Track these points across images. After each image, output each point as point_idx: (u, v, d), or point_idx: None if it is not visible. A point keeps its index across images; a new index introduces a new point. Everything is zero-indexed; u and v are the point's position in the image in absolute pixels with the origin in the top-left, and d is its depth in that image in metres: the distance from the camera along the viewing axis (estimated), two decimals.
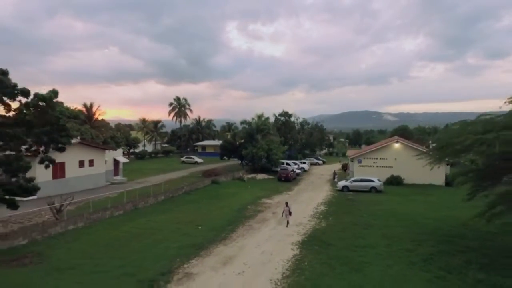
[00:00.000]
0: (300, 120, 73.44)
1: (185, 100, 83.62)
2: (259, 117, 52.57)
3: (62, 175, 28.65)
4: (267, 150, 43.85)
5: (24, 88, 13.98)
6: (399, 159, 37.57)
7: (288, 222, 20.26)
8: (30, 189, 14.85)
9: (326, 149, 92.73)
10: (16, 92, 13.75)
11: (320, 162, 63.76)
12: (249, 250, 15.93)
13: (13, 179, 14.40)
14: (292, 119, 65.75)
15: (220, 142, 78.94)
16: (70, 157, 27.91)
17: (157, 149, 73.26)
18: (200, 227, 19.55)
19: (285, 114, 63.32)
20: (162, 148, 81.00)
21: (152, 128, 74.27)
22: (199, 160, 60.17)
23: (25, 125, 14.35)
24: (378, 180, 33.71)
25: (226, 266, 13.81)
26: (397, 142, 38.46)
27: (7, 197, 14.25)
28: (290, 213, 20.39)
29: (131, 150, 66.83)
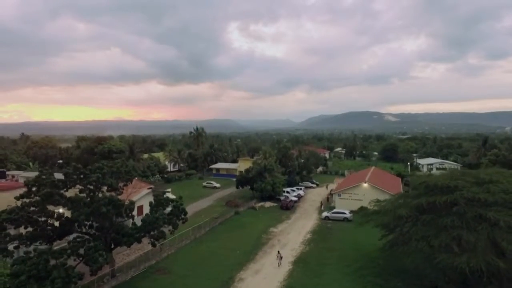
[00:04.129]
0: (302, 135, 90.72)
1: (202, 129, 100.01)
2: (265, 153, 68.69)
3: (141, 213, 44.20)
4: (272, 184, 59.51)
5: None
6: (366, 195, 53.04)
7: (280, 263, 31.27)
8: (161, 237, 30.32)
9: (321, 167, 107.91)
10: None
11: (314, 186, 79.04)
12: (267, 266, 31.61)
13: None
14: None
15: (232, 164, 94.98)
16: (145, 201, 43.43)
17: (181, 172, 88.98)
18: (238, 252, 35.12)
19: (286, 147, 79.15)
20: (182, 168, 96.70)
21: (176, 155, 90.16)
22: (217, 185, 75.76)
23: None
24: (349, 212, 49.18)
25: (257, 274, 29.55)
26: (365, 183, 53.98)
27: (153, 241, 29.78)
28: (281, 258, 31.86)
29: (161, 175, 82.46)
